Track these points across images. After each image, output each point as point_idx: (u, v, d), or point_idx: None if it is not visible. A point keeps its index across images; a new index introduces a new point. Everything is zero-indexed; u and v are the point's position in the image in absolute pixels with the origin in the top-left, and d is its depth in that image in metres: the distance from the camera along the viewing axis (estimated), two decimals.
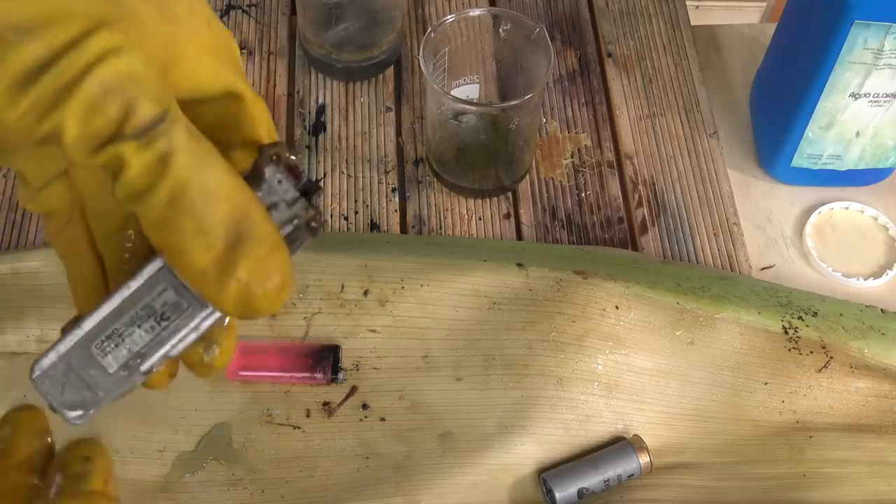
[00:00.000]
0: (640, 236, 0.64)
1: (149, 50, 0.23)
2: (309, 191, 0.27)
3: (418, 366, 0.55)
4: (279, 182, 0.26)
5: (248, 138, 0.27)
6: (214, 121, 0.27)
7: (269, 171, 0.26)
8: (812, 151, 0.63)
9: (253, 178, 0.26)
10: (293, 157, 0.27)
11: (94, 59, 0.21)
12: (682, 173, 0.67)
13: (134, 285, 0.26)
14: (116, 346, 0.27)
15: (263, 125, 0.28)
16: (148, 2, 0.23)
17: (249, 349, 0.54)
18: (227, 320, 0.28)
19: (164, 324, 0.27)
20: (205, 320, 0.27)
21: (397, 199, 0.65)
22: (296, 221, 0.27)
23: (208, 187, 0.23)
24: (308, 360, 0.54)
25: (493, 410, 0.54)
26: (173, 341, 0.27)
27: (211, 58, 0.26)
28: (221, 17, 0.73)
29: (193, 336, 0.27)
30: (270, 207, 0.26)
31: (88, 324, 0.27)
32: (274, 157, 0.27)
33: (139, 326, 0.27)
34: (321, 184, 0.30)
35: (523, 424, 0.53)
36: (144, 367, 0.27)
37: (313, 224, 0.27)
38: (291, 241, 0.27)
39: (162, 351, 0.27)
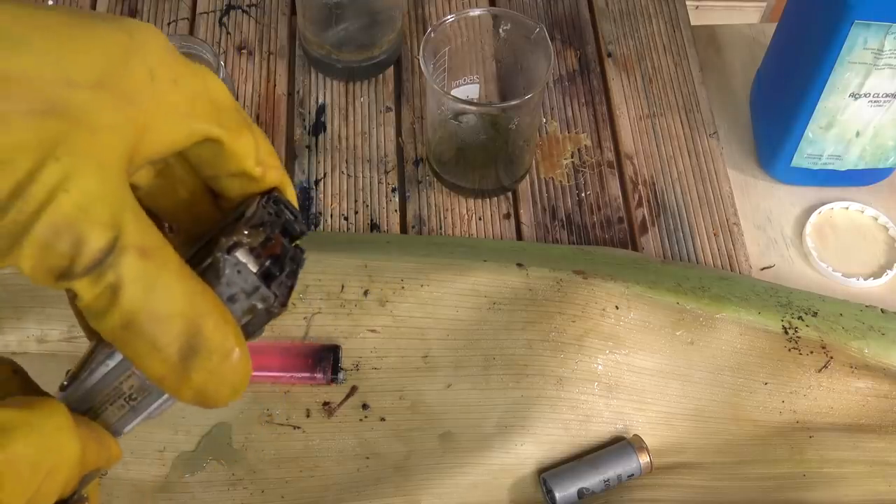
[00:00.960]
0: (640, 236, 0.64)
1: (105, 150, 0.23)
2: (269, 273, 0.27)
3: (418, 366, 0.55)
4: (238, 272, 0.26)
5: (235, 171, 0.28)
6: (199, 160, 0.28)
7: (227, 265, 0.26)
8: (812, 151, 0.63)
9: (210, 272, 0.26)
10: (256, 235, 0.27)
11: (42, 202, 0.22)
12: (682, 173, 0.67)
13: (104, 370, 0.27)
14: (94, 418, 0.28)
15: (249, 158, 0.28)
16: (100, 90, 0.23)
17: (249, 349, 0.54)
18: None
19: (132, 403, 0.27)
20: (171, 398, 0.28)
21: (397, 199, 0.65)
22: (258, 308, 0.27)
23: (158, 311, 0.24)
24: (308, 360, 0.54)
25: (493, 410, 0.54)
26: (146, 413, 0.28)
27: (181, 116, 0.26)
28: (221, 17, 0.73)
29: (168, 404, 0.28)
30: (229, 300, 0.26)
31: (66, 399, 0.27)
32: (232, 246, 0.26)
33: (111, 405, 0.27)
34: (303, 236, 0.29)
35: (523, 424, 0.53)
36: (122, 433, 0.28)
37: (273, 310, 0.27)
38: (251, 330, 0.27)
39: (137, 420, 0.28)
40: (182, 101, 0.26)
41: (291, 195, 0.30)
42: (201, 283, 0.25)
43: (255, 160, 0.28)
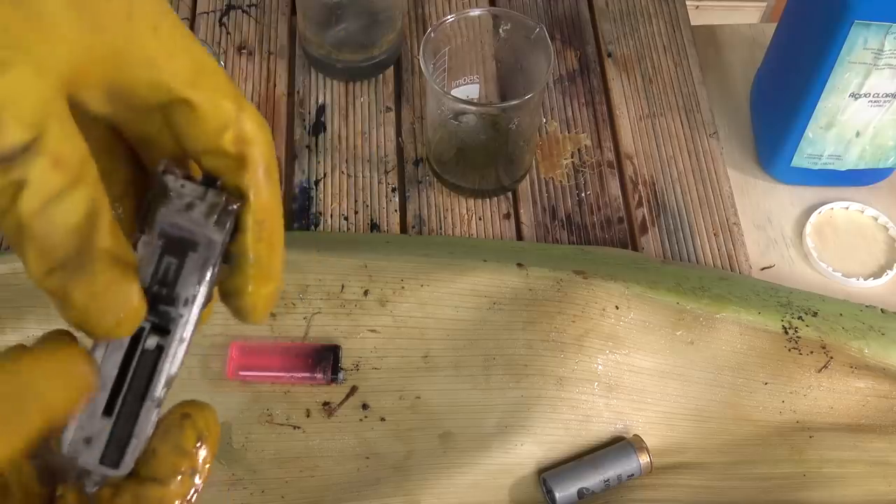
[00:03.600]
0: (640, 236, 0.64)
1: (50, 57, 0.23)
2: (211, 181, 0.27)
3: (418, 366, 0.55)
4: (182, 186, 0.26)
5: (209, 145, 0.27)
6: (176, 127, 0.27)
7: (170, 181, 0.26)
8: (812, 151, 0.63)
9: (159, 192, 0.26)
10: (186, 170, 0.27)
11: None
12: (682, 173, 0.67)
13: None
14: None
15: (225, 131, 0.26)
16: (70, 8, 0.23)
17: (249, 349, 0.54)
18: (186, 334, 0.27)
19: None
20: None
21: (397, 199, 0.65)
22: (218, 204, 0.26)
23: (54, 221, 0.23)
24: (308, 360, 0.54)
25: (493, 410, 0.54)
26: (160, 385, 0.26)
27: (148, 67, 0.25)
28: (221, 17, 0.73)
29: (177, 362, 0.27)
30: (188, 208, 0.26)
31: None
32: (170, 170, 0.26)
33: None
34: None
35: (523, 424, 0.53)
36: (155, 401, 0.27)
37: (230, 207, 0.26)
38: (221, 225, 0.26)
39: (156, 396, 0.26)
40: (157, 51, 0.25)
41: (268, 194, 0.27)
42: (109, 214, 0.24)
43: (234, 136, 0.26)
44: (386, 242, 0.60)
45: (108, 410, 0.25)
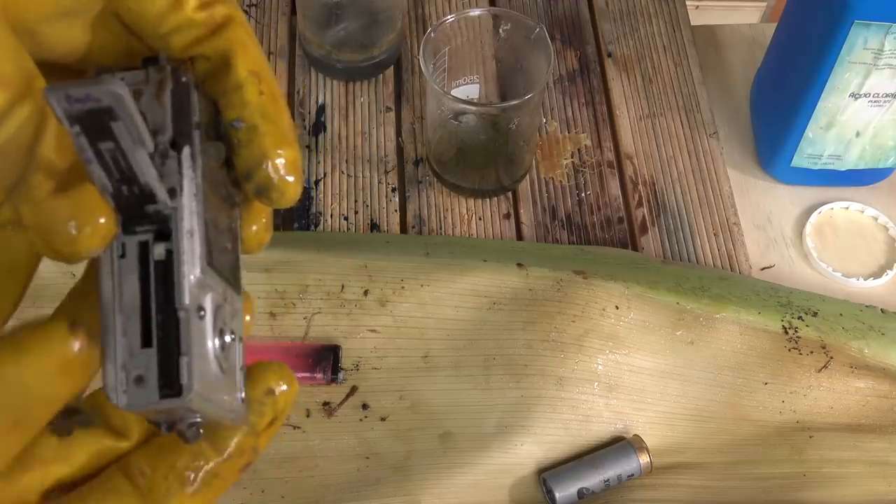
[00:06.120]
0: (640, 236, 0.64)
1: None
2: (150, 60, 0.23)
3: (418, 366, 0.55)
4: (122, 79, 0.21)
5: (174, 21, 0.23)
6: (130, 15, 0.24)
7: None
8: (812, 151, 0.63)
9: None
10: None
11: None
12: (682, 173, 0.67)
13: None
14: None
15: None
16: None
17: (249, 349, 0.54)
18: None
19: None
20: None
21: (397, 199, 0.65)
22: (166, 82, 0.22)
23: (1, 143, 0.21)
24: (308, 360, 0.54)
25: (493, 410, 0.54)
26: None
27: None
28: None
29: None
30: (135, 97, 0.22)
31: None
32: (102, 70, 0.22)
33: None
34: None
35: (523, 424, 0.53)
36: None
37: (182, 78, 0.22)
38: (178, 104, 0.22)
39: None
40: None
41: (256, 48, 0.24)
42: (55, 126, 0.21)
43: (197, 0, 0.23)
44: (386, 242, 0.60)
45: (147, 342, 0.22)
